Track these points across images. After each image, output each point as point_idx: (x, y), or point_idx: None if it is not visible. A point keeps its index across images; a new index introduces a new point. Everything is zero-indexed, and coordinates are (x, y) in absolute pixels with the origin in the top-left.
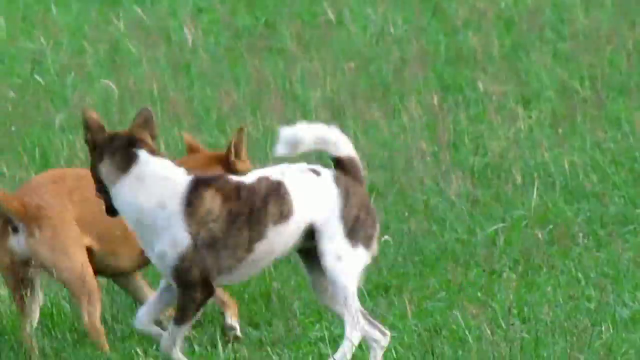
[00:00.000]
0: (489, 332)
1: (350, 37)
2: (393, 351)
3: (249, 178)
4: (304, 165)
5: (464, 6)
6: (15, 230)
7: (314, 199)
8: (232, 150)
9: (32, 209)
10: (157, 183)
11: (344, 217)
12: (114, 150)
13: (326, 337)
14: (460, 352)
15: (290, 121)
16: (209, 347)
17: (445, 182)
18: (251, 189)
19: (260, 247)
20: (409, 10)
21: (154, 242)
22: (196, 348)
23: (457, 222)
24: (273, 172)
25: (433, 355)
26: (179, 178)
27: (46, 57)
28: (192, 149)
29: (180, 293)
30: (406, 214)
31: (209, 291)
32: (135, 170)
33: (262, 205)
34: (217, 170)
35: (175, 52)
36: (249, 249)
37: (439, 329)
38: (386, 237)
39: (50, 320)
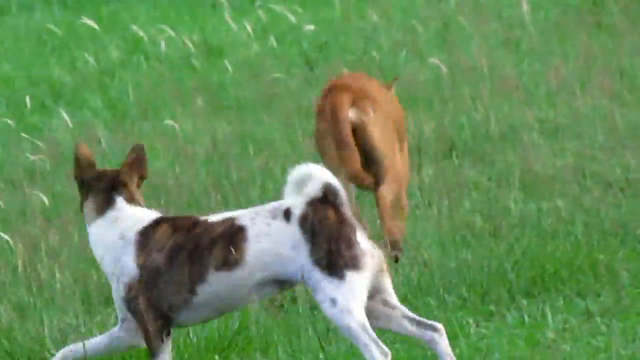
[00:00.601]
0: None
1: None
2: None
3: (217, 217)
4: (279, 208)
5: None
6: None
7: (277, 251)
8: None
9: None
10: (126, 222)
11: (317, 258)
12: (98, 191)
13: None
14: None
15: (618, 96)
16: (538, 318)
17: None
18: (208, 226)
19: (204, 290)
20: None
21: (113, 275)
22: (526, 318)
23: None
24: (244, 216)
25: None
26: (146, 216)
27: (378, 35)
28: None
29: (139, 326)
30: None
31: (163, 322)
32: (109, 214)
33: (208, 246)
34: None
35: (505, 28)
36: (192, 290)
37: None
38: None
39: None
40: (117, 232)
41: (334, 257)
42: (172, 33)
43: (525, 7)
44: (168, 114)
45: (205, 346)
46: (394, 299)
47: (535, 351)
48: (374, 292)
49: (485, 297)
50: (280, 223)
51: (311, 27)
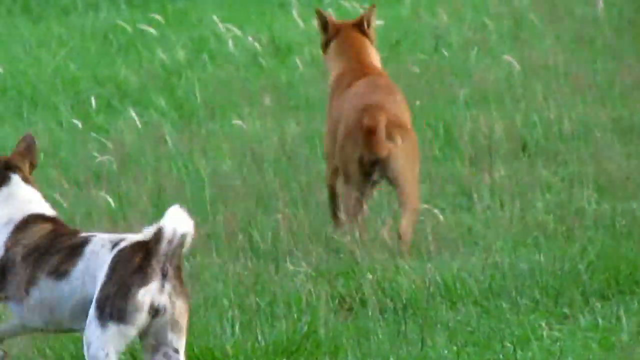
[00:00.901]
0: None
1: None
2: None
3: (97, 233)
4: (119, 238)
5: None
6: None
7: (94, 273)
8: (365, 20)
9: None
10: (18, 201)
11: (98, 297)
12: None
13: None
14: None
15: None
16: (612, 320)
17: None
18: (74, 237)
19: (34, 294)
20: None
21: None
22: (600, 321)
23: None
24: (99, 235)
25: None
26: (37, 204)
27: (449, 33)
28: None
29: None
30: None
31: None
32: (4, 190)
33: (54, 253)
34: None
35: (579, 25)
36: (26, 291)
37: None
38: None
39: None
40: (7, 211)
41: (106, 303)
42: (239, 32)
43: (599, 4)
44: (235, 114)
45: (274, 350)
46: (177, 354)
47: (610, 355)
48: (157, 344)
49: (558, 299)
50: (106, 249)
51: (380, 22)
